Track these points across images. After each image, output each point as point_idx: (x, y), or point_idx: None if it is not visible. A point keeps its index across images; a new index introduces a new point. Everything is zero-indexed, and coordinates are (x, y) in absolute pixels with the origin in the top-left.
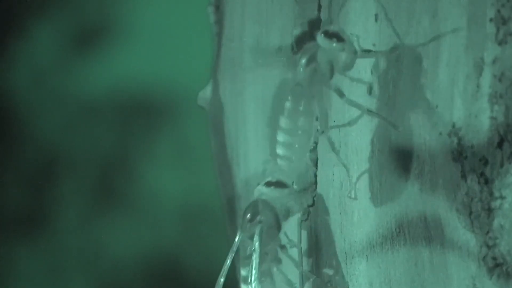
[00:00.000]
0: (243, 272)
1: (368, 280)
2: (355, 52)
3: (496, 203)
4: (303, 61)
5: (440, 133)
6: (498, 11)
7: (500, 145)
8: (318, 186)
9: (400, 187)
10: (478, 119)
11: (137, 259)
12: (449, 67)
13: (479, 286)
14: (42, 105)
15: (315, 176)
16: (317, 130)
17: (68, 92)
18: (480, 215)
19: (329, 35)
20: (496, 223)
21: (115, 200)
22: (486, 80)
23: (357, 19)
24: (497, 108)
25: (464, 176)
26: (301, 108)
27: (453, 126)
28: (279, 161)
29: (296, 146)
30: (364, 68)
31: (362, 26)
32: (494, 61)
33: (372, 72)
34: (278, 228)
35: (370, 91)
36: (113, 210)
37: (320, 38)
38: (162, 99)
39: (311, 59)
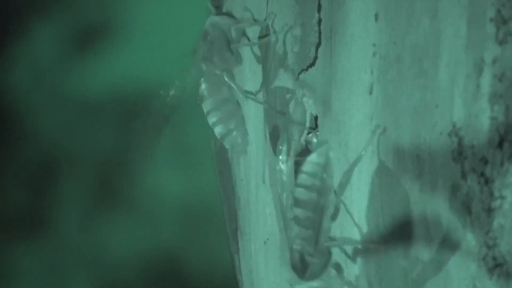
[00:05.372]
0: None
1: (368, 280)
2: None
3: (496, 203)
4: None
5: (440, 133)
6: (498, 11)
7: (500, 145)
8: None
9: (400, 187)
10: (478, 119)
11: (137, 258)
12: (449, 67)
13: (479, 286)
14: (43, 104)
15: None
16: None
17: (69, 91)
18: (480, 215)
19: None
20: (496, 223)
21: (115, 200)
22: (486, 80)
23: (357, 19)
24: (497, 108)
25: (464, 176)
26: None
27: (453, 126)
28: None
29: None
30: (364, 68)
31: (362, 26)
32: (494, 61)
33: (372, 72)
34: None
35: (370, 91)
36: (113, 210)
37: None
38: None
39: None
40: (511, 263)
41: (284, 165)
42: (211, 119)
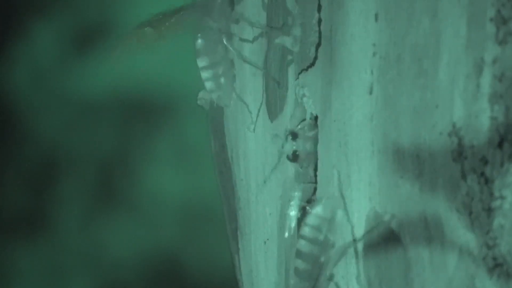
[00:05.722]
0: None
1: (368, 280)
2: None
3: (496, 203)
4: None
5: (440, 133)
6: (498, 11)
7: (500, 145)
8: (318, 186)
9: (400, 187)
10: (478, 119)
11: (137, 259)
12: (449, 67)
13: (479, 286)
14: (42, 105)
15: (315, 175)
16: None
17: (68, 92)
18: (480, 215)
19: None
20: (496, 223)
21: (116, 200)
22: (486, 80)
23: (357, 19)
24: (497, 108)
25: (464, 176)
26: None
27: (453, 126)
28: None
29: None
30: (364, 68)
31: (362, 26)
32: (494, 61)
33: (372, 72)
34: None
35: (370, 91)
36: (114, 210)
37: None
38: (162, 99)
39: None
40: (511, 263)
41: (294, 212)
42: (204, 75)
